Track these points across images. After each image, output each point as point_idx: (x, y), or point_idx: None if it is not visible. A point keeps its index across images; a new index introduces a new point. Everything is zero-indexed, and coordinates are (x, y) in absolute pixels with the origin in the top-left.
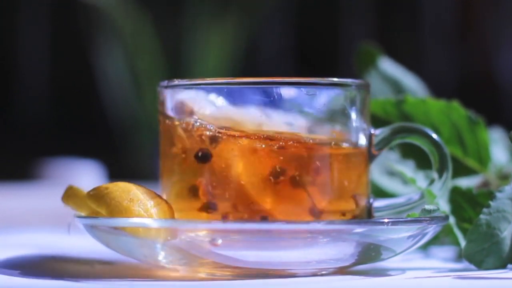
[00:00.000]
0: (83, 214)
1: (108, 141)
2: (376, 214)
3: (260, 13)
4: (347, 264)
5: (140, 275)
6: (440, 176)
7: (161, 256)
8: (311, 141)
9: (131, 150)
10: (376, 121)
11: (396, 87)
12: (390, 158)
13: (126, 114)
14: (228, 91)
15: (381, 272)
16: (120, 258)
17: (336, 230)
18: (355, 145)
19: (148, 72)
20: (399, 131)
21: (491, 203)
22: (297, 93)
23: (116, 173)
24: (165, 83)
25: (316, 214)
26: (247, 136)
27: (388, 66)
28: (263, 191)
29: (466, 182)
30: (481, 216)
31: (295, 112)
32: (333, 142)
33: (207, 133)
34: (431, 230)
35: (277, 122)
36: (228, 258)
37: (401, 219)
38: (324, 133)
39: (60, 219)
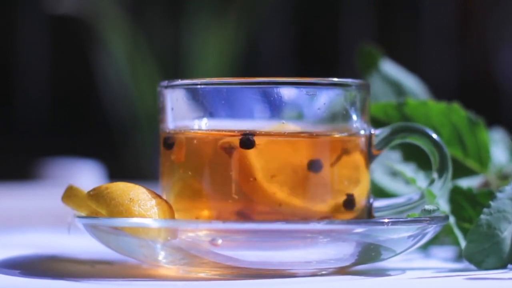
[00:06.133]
0: (83, 214)
1: (108, 141)
2: (376, 214)
3: (260, 13)
4: (347, 264)
5: (140, 275)
6: (440, 176)
7: (161, 256)
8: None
9: (131, 150)
10: (377, 124)
11: (398, 89)
12: (391, 158)
13: (126, 114)
14: (228, 91)
15: (381, 272)
16: (120, 258)
17: (336, 230)
18: (355, 145)
19: (148, 72)
20: (399, 131)
21: (491, 203)
22: (297, 93)
23: (116, 173)
24: (165, 83)
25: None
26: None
27: (390, 67)
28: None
29: (466, 183)
30: (482, 216)
31: (295, 112)
32: (333, 142)
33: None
34: (431, 230)
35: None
36: (228, 258)
37: (401, 219)
38: (323, 133)
39: (60, 219)
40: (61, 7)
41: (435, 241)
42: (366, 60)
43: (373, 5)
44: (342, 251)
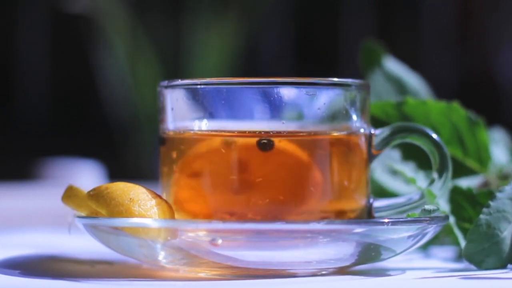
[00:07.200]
0: (83, 214)
1: (108, 141)
2: (376, 214)
3: (260, 13)
4: (347, 264)
5: (140, 275)
6: (440, 176)
7: (161, 256)
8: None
9: (131, 150)
10: (377, 123)
11: (401, 87)
12: (393, 157)
13: (126, 114)
14: (228, 91)
15: (381, 272)
16: (120, 258)
17: (336, 230)
18: (355, 145)
19: (148, 72)
20: (399, 131)
21: (491, 203)
22: (297, 93)
23: (116, 173)
24: (165, 83)
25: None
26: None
27: (393, 65)
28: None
29: (466, 183)
30: (481, 216)
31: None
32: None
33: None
34: (431, 230)
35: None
36: (228, 258)
37: (401, 219)
38: (323, 133)
39: (60, 219)
40: (62, 7)
41: (435, 241)
42: (369, 57)
43: (373, 5)
44: (342, 251)
